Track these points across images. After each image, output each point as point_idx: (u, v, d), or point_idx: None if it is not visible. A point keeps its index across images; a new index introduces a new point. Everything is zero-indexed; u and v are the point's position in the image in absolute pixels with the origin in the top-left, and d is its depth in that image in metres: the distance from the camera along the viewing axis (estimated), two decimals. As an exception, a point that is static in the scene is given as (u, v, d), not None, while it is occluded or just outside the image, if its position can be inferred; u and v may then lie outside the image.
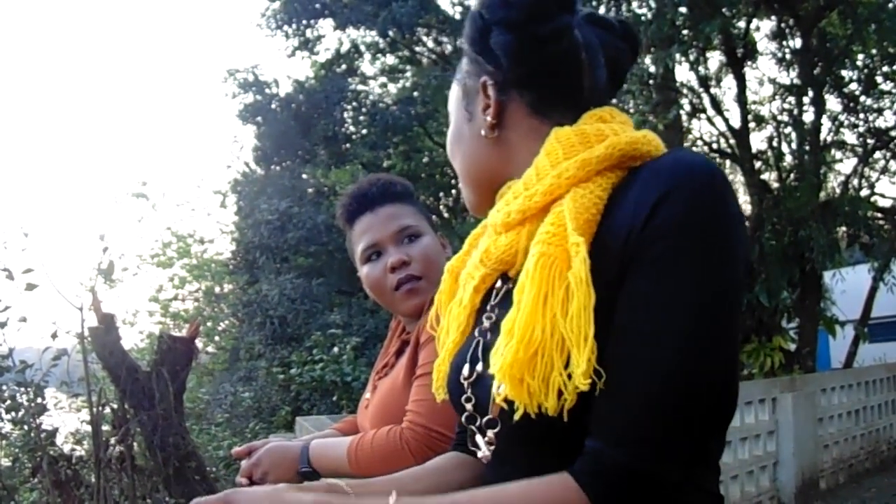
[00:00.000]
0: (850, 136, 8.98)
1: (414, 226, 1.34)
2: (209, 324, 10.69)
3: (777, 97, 8.94)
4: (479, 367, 0.77)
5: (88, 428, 3.67)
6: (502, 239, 0.75)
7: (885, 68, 8.21)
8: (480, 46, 0.80)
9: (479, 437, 0.78)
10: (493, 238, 0.78)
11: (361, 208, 1.35)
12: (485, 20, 0.80)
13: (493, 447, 0.76)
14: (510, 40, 0.78)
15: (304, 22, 10.70)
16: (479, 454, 0.78)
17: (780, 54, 8.65)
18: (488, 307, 0.81)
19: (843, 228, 8.09)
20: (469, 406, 0.78)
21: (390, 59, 12.31)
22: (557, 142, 0.73)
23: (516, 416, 0.65)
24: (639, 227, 0.63)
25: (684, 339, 0.60)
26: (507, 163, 0.80)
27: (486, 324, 0.80)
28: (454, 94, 0.88)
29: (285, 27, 10.66)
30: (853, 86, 8.40)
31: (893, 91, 8.42)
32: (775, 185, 8.55)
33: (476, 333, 0.81)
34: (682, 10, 6.81)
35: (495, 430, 0.75)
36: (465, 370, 0.79)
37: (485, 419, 0.76)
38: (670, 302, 0.61)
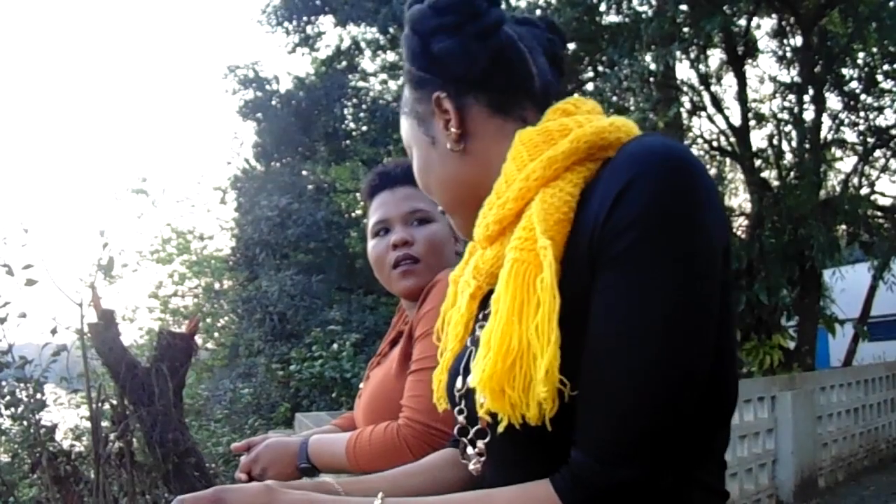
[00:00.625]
0: (850, 135, 8.99)
1: (426, 210, 1.35)
2: (209, 320, 10.72)
3: (777, 95, 8.95)
4: (470, 378, 0.76)
5: (88, 424, 3.67)
6: (488, 252, 0.73)
7: (886, 67, 8.21)
8: (425, 61, 0.79)
9: (469, 449, 0.77)
10: (479, 253, 0.76)
11: (382, 185, 1.39)
12: (421, 34, 0.78)
13: (483, 458, 0.75)
14: (453, 44, 0.76)
15: (305, 18, 10.68)
16: (470, 466, 0.77)
17: (780, 52, 8.67)
18: (481, 315, 0.80)
19: (843, 227, 8.10)
20: (461, 418, 0.77)
21: (391, 56, 12.26)
22: (522, 144, 0.71)
23: (500, 428, 0.64)
24: (601, 221, 0.60)
25: (654, 339, 0.57)
26: (482, 172, 0.77)
27: (478, 332, 0.78)
28: (407, 128, 0.85)
29: (286, 24, 10.64)
30: (854, 84, 8.40)
31: (894, 89, 8.41)
32: (775, 183, 8.54)
33: (469, 342, 0.79)
34: (683, 7, 6.82)
35: (485, 441, 0.74)
36: (458, 382, 0.78)
37: (473, 430, 0.75)
38: (637, 300, 0.58)
